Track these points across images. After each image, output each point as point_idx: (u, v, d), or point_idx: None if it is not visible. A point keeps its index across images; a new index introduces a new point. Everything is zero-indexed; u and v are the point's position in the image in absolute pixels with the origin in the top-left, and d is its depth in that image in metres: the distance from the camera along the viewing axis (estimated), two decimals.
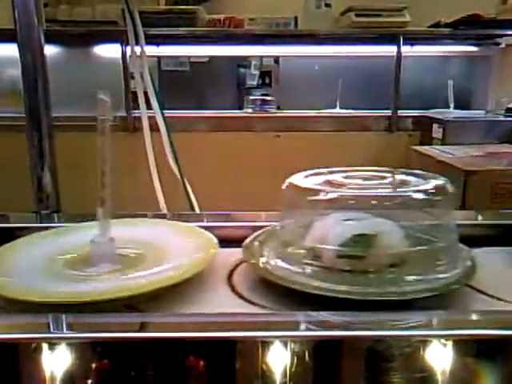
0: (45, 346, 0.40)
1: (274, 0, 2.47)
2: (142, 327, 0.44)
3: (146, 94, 1.04)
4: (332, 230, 0.54)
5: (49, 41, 0.84)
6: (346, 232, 0.53)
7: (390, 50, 2.27)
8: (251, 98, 2.51)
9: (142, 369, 0.41)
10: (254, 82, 3.24)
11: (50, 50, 0.87)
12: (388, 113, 2.36)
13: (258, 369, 0.41)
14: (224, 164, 2.22)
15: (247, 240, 0.62)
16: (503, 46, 2.46)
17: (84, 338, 0.42)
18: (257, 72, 3.25)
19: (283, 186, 0.59)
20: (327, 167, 0.66)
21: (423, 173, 0.62)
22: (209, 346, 0.41)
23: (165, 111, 1.05)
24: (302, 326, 0.44)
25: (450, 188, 0.57)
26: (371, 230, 0.53)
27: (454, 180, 1.64)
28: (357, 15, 2.26)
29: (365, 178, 0.60)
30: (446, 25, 2.27)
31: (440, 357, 0.40)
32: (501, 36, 2.39)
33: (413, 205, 0.55)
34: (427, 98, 2.53)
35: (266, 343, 0.40)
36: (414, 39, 2.34)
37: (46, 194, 0.83)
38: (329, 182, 0.59)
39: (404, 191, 0.56)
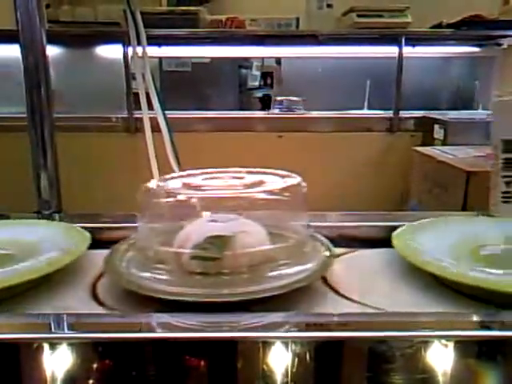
0: (46, 346, 0.40)
1: (275, 1, 2.47)
2: (143, 328, 0.44)
3: (147, 94, 1.04)
4: (191, 233, 0.54)
5: (51, 41, 0.85)
6: (201, 234, 0.53)
7: (391, 50, 2.27)
8: (278, 98, 2.48)
9: (143, 369, 0.41)
10: (256, 83, 3.24)
11: (52, 51, 0.87)
12: (390, 113, 2.36)
13: (258, 369, 0.41)
14: (226, 164, 2.21)
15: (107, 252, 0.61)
16: (505, 46, 2.45)
17: (85, 338, 0.42)
18: (258, 73, 3.25)
19: (139, 191, 0.59)
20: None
21: (286, 173, 0.63)
22: (209, 347, 0.41)
23: (166, 112, 1.05)
24: (303, 327, 0.44)
25: (300, 187, 0.58)
26: (228, 231, 0.52)
27: (456, 181, 1.64)
28: (358, 16, 2.26)
29: (222, 179, 0.62)
30: (448, 25, 2.27)
31: (437, 359, 0.40)
32: (503, 37, 2.38)
33: (260, 204, 0.56)
34: (429, 99, 2.52)
35: (265, 344, 0.40)
36: (415, 40, 2.34)
37: (48, 194, 0.83)
38: (185, 185, 0.59)
39: (249, 191, 0.56)
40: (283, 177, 0.62)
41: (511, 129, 0.65)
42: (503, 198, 0.64)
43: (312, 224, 0.60)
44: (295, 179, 0.60)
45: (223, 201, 0.56)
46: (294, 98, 2.46)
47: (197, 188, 0.58)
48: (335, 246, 0.61)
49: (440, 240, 0.59)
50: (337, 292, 0.54)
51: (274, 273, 0.52)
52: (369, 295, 0.53)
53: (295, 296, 0.51)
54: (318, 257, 0.56)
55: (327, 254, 0.57)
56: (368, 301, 0.51)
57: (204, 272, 0.52)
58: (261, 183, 0.59)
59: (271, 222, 0.58)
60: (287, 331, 0.42)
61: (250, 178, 0.62)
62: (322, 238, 0.62)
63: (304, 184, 0.59)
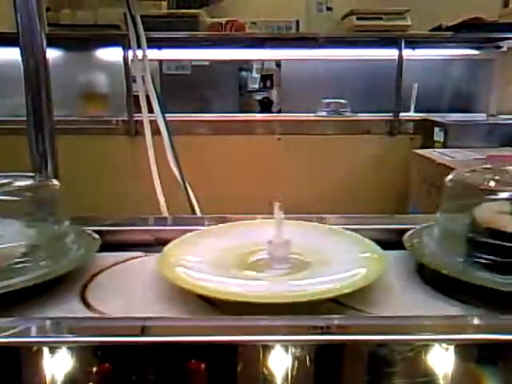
0: (45, 350, 0.40)
1: (275, 4, 2.48)
2: (143, 331, 0.44)
3: (147, 97, 1.04)
4: None
5: (51, 44, 0.85)
6: None
7: (391, 53, 2.27)
8: (325, 101, 2.47)
9: (144, 373, 0.41)
10: (256, 86, 3.25)
11: (53, 54, 0.87)
12: (389, 116, 2.36)
13: (258, 373, 0.41)
14: (225, 167, 2.22)
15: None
16: (505, 49, 2.45)
17: (85, 342, 0.42)
18: (258, 75, 3.26)
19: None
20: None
21: None
22: (210, 350, 0.41)
23: (166, 114, 1.05)
24: (304, 331, 0.44)
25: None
26: None
27: None
28: (358, 19, 2.26)
29: None
30: (448, 28, 2.27)
31: (440, 362, 0.40)
32: (502, 39, 2.39)
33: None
34: (429, 102, 2.52)
35: (266, 347, 0.40)
36: (415, 42, 2.34)
37: None
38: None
39: None
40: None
41: None
42: None
43: None
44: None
45: None
46: (342, 101, 2.44)
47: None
48: None
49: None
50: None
51: None
52: None
53: None
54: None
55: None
56: None
57: None
58: None
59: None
60: (287, 335, 0.42)
61: None
62: None
63: None
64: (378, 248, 0.61)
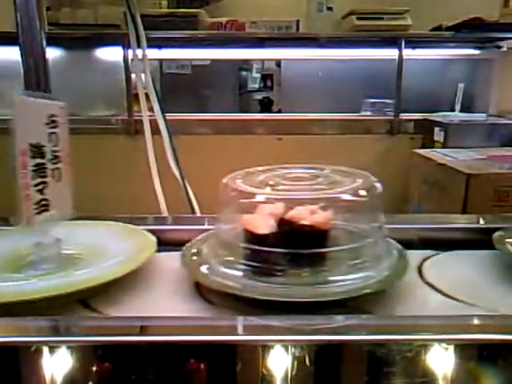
0: (45, 349, 0.40)
1: (275, 3, 2.48)
2: (142, 330, 0.44)
3: (147, 96, 1.04)
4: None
5: (51, 44, 0.85)
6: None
7: (391, 53, 2.27)
8: (370, 100, 2.47)
9: (143, 372, 0.41)
10: (256, 85, 3.25)
11: (52, 53, 0.87)
12: (390, 116, 2.36)
13: (257, 372, 0.40)
14: (225, 167, 2.21)
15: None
16: (505, 49, 2.45)
17: (84, 341, 0.42)
18: (258, 75, 3.26)
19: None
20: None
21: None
22: (209, 350, 0.41)
23: (166, 114, 1.05)
24: (302, 331, 0.43)
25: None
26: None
27: (456, 183, 1.64)
28: (358, 18, 2.26)
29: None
30: (448, 28, 2.27)
31: (440, 362, 0.40)
32: (503, 39, 2.38)
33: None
34: (429, 101, 2.52)
35: (265, 347, 0.40)
36: (415, 42, 2.34)
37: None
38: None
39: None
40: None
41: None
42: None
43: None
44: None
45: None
46: (387, 101, 2.44)
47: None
48: None
49: None
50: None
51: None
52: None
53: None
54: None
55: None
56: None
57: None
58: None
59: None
60: (286, 335, 0.42)
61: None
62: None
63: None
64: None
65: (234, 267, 0.55)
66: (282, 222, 0.54)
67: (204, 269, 0.57)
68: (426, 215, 0.79)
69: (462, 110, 2.48)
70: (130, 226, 0.72)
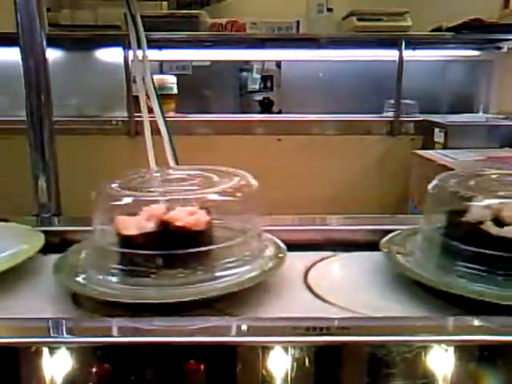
0: (45, 350, 0.40)
1: (276, 4, 2.48)
2: (142, 332, 0.44)
3: (147, 97, 1.04)
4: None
5: (51, 45, 0.85)
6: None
7: (391, 54, 2.27)
8: (393, 102, 2.45)
9: (143, 373, 0.41)
10: (256, 86, 3.25)
11: (53, 54, 0.87)
12: (390, 117, 2.36)
13: (257, 373, 0.40)
14: (225, 167, 2.21)
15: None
16: (505, 50, 2.45)
17: (84, 342, 0.42)
18: (259, 76, 3.26)
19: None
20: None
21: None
22: (209, 351, 0.41)
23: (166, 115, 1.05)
24: (302, 332, 0.44)
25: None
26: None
27: None
28: (358, 19, 2.26)
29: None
30: (448, 29, 2.27)
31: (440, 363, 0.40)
32: (503, 40, 2.38)
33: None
34: (429, 102, 2.52)
35: (265, 348, 0.40)
36: (415, 43, 2.33)
37: (47, 197, 0.83)
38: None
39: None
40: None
41: None
42: None
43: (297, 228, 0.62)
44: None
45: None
46: (410, 102, 2.43)
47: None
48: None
49: None
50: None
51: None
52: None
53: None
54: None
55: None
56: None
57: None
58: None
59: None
60: (286, 336, 0.42)
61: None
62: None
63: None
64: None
65: (108, 272, 0.55)
66: (160, 223, 0.54)
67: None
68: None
69: (461, 112, 2.48)
70: (23, 226, 0.71)
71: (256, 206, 0.61)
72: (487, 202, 0.55)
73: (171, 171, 0.68)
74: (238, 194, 0.58)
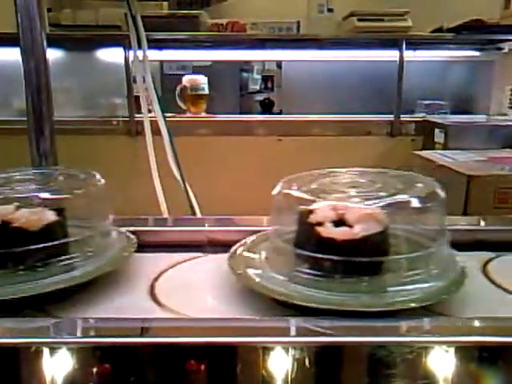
0: (45, 350, 0.40)
1: (276, 5, 2.48)
2: (143, 332, 0.44)
3: (148, 97, 1.04)
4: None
5: (52, 45, 0.85)
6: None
7: (392, 54, 2.27)
8: (426, 102, 2.46)
9: (143, 374, 0.41)
10: (257, 86, 3.25)
11: (53, 54, 0.87)
12: (390, 117, 2.36)
13: (257, 374, 0.40)
14: (226, 168, 2.22)
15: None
16: (506, 50, 2.45)
17: (85, 342, 0.42)
18: (259, 76, 3.26)
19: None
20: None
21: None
22: (210, 351, 0.41)
23: (167, 115, 1.05)
24: (303, 332, 0.43)
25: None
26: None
27: (456, 185, 1.64)
28: (359, 20, 2.26)
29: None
30: (449, 30, 2.27)
31: (440, 364, 0.40)
32: (503, 41, 2.38)
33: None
34: (429, 103, 2.52)
35: (266, 349, 0.40)
36: (416, 44, 2.34)
37: None
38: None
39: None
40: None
41: None
42: None
43: None
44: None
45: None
46: (441, 102, 2.43)
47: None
48: None
49: None
50: None
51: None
52: None
53: None
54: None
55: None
56: None
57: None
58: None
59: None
60: (286, 336, 0.42)
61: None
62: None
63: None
64: None
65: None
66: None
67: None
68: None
69: (462, 112, 2.48)
70: None
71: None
72: (325, 203, 0.54)
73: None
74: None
